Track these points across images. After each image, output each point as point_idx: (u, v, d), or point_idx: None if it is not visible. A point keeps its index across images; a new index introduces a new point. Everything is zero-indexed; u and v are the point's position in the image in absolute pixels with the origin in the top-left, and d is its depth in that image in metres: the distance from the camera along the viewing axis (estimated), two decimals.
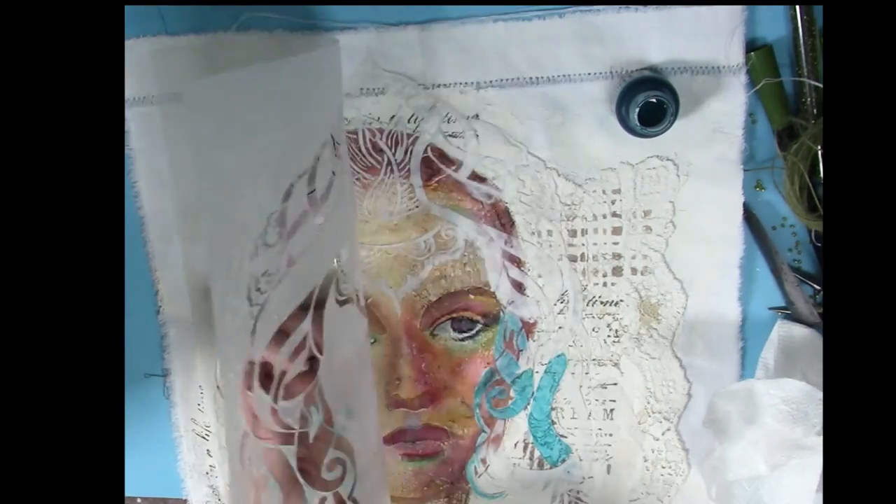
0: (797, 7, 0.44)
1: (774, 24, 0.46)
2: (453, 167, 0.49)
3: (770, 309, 0.49)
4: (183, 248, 0.53)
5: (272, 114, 0.39)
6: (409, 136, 0.49)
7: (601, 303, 0.50)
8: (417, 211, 0.50)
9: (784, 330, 0.48)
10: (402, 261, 0.50)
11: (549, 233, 0.49)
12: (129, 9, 0.48)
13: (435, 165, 0.49)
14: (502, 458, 0.53)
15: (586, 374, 0.51)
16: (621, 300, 0.50)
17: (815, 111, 0.45)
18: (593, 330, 0.50)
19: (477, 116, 0.48)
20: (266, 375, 0.40)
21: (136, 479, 0.57)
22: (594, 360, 0.51)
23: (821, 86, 0.45)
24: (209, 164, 0.36)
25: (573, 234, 0.49)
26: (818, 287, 0.48)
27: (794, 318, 0.48)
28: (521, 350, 0.51)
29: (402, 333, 0.51)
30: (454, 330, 0.51)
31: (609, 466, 0.53)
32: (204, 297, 0.53)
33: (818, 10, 0.44)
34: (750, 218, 0.48)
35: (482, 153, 0.49)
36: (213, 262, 0.38)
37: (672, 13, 0.45)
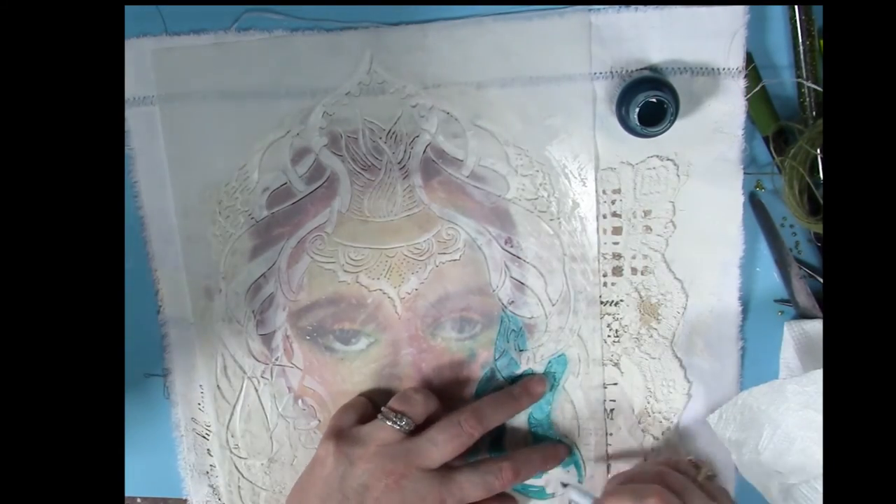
0: (796, 7, 0.44)
1: (772, 24, 0.46)
2: (453, 167, 0.49)
3: (775, 301, 0.49)
4: (183, 248, 0.53)
5: None
6: (409, 135, 0.49)
7: (601, 303, 0.50)
8: (417, 211, 0.50)
9: (795, 330, 0.48)
10: (402, 261, 0.50)
11: (550, 233, 0.49)
12: (129, 9, 0.48)
13: (435, 165, 0.49)
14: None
15: (586, 374, 0.51)
16: (621, 300, 0.50)
17: (814, 113, 0.45)
18: (593, 330, 0.50)
19: (477, 116, 0.48)
20: None
21: (136, 479, 0.58)
22: (594, 360, 0.51)
23: (820, 89, 0.45)
24: None
25: (573, 234, 0.49)
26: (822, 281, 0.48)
27: (797, 311, 0.48)
28: (522, 350, 0.51)
29: (402, 333, 0.51)
30: (454, 330, 0.51)
31: (609, 466, 0.53)
32: (204, 297, 0.53)
33: (818, 11, 0.44)
34: (757, 207, 0.48)
35: (482, 153, 0.49)
36: None
37: (672, 13, 0.45)
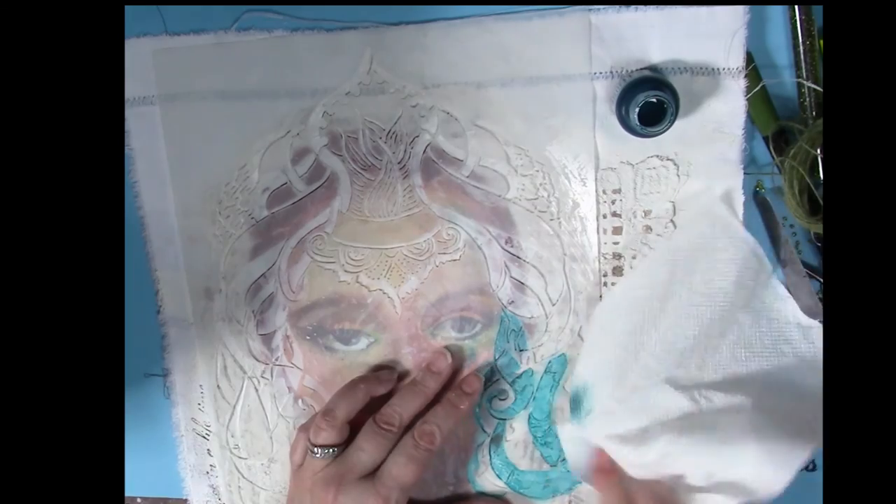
0: (796, 7, 0.44)
1: (772, 24, 0.46)
2: (454, 167, 0.49)
3: None
4: (183, 249, 0.53)
5: None
6: (409, 135, 0.49)
7: None
8: (417, 211, 0.50)
9: None
10: (402, 261, 0.50)
11: (550, 233, 0.49)
12: (129, 9, 0.48)
13: (435, 165, 0.49)
14: (502, 459, 0.53)
15: None
16: None
17: (814, 113, 0.45)
18: None
19: (477, 116, 0.48)
20: None
21: (136, 479, 0.58)
22: None
23: (820, 89, 0.45)
24: None
25: (573, 233, 0.49)
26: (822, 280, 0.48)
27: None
28: (522, 350, 0.51)
29: (402, 333, 0.51)
30: (454, 330, 0.51)
31: None
32: (204, 297, 0.53)
33: (818, 11, 0.44)
34: (761, 205, 0.48)
35: (482, 153, 0.49)
36: None
37: (672, 13, 0.45)
